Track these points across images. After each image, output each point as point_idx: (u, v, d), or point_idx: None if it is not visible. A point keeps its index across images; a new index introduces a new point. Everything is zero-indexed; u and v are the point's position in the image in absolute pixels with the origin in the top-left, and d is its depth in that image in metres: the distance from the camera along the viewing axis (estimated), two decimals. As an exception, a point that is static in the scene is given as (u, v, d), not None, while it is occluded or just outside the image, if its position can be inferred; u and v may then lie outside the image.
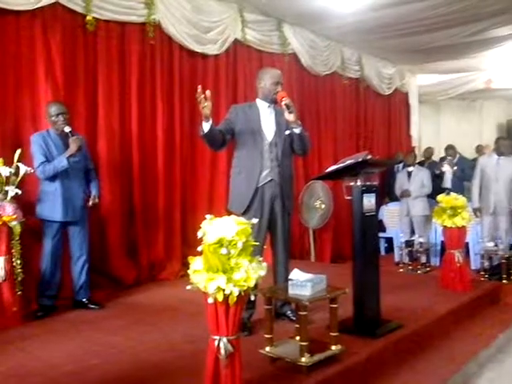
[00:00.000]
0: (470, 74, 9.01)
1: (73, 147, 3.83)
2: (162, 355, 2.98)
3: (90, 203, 4.08)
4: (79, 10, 4.42)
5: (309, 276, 2.84)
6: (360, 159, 3.20)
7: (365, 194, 3.24)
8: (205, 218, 2.24)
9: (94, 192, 4.11)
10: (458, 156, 7.81)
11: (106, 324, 3.65)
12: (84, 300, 4.03)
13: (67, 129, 3.87)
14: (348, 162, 3.22)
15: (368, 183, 3.32)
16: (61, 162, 3.81)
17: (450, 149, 7.83)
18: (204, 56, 5.51)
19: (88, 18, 4.45)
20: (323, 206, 6.30)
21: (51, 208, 3.85)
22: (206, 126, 3.15)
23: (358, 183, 3.27)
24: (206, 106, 3.04)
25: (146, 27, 4.90)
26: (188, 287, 2.22)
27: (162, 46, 5.15)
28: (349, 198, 3.30)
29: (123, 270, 4.77)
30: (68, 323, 3.69)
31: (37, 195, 3.92)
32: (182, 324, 3.58)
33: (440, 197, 4.70)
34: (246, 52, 5.94)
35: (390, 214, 7.18)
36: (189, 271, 2.25)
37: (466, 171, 7.51)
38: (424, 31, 6.39)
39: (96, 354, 3.00)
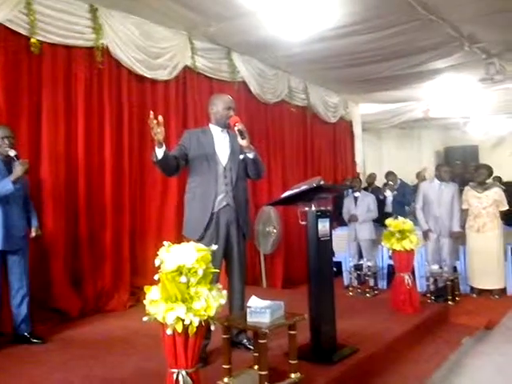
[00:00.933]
0: (410, 103, 9.47)
1: (19, 171, 3.63)
2: (112, 391, 2.83)
3: (33, 235, 3.91)
4: (23, 32, 4.27)
5: (267, 303, 2.80)
6: (314, 184, 3.23)
7: (319, 219, 3.27)
8: (154, 246, 2.17)
9: (35, 223, 3.95)
10: (399, 182, 8.13)
11: (49, 359, 3.44)
12: (25, 334, 3.79)
13: (12, 152, 3.69)
14: (303, 187, 3.24)
15: (322, 208, 3.34)
16: (5, 186, 3.60)
17: (391, 174, 8.16)
18: (153, 81, 5.46)
19: (32, 40, 4.31)
20: (275, 231, 6.30)
21: (-10, 236, 3.62)
22: (159, 153, 3.09)
23: (313, 208, 3.29)
24: (158, 132, 2.99)
25: (94, 51, 4.80)
26: (144, 319, 2.13)
27: (111, 70, 5.04)
28: (303, 223, 3.31)
29: (67, 301, 4.51)
30: (8, 360, 3.45)
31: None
32: (132, 357, 3.41)
33: (388, 221, 4.82)
34: (196, 79, 5.93)
35: (338, 238, 7.26)
36: (145, 301, 2.16)
37: (406, 196, 7.82)
38: (367, 62, 6.65)
39: (40, 393, 2.82)
